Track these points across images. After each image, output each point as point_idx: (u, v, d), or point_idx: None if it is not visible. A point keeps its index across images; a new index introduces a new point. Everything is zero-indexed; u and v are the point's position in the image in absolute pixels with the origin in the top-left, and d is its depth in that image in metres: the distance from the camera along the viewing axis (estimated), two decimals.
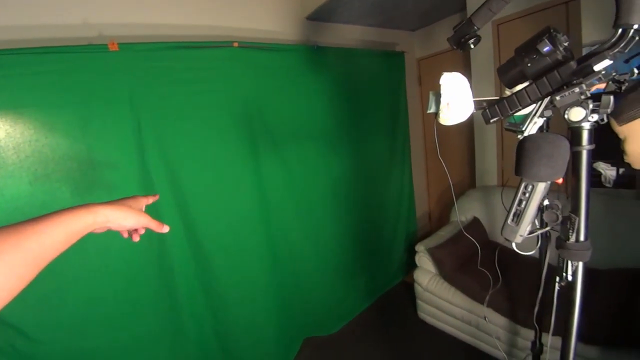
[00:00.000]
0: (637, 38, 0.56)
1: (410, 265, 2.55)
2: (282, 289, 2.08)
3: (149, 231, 0.59)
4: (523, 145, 0.72)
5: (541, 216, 0.79)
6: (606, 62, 0.59)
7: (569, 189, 0.73)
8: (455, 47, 0.85)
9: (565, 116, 0.66)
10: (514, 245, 0.79)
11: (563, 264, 0.75)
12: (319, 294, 2.28)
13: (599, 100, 0.62)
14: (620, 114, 0.66)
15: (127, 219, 0.51)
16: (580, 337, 1.40)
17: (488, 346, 1.89)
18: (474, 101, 0.76)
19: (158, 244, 1.60)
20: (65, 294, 1.40)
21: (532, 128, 0.76)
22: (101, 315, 1.50)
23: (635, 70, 0.67)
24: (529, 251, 0.87)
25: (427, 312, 2.26)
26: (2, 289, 0.34)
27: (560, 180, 0.72)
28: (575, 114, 0.64)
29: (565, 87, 0.65)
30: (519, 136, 0.77)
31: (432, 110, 0.76)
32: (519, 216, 0.75)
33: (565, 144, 0.68)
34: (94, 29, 1.57)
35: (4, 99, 1.28)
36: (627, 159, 0.73)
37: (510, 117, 0.78)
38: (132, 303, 1.57)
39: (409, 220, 3.06)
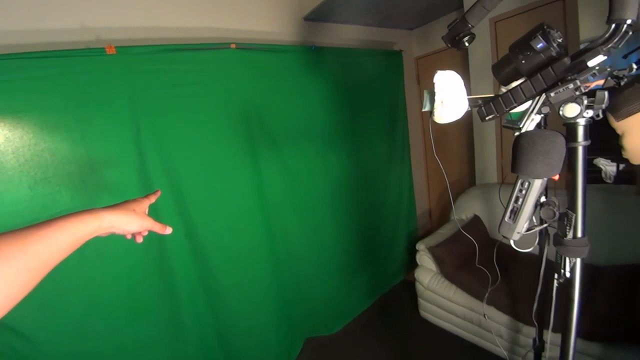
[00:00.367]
0: (630, 33, 0.56)
1: (411, 263, 2.55)
2: (283, 289, 2.08)
3: (149, 233, 0.59)
4: (519, 142, 0.72)
5: (539, 213, 0.79)
6: (600, 58, 0.59)
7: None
8: (450, 46, 0.85)
9: (560, 112, 0.66)
10: (511, 242, 0.79)
11: (561, 260, 0.75)
12: (319, 294, 2.28)
13: (594, 96, 0.62)
14: (618, 109, 0.65)
15: (130, 223, 0.52)
16: (582, 334, 1.41)
17: (490, 344, 1.89)
18: (469, 99, 0.76)
19: (158, 245, 1.60)
20: (65, 296, 1.40)
21: (529, 125, 0.76)
22: (101, 317, 1.50)
23: (634, 66, 0.67)
24: (528, 248, 0.87)
25: (429, 311, 2.26)
26: (7, 294, 0.34)
27: (556, 177, 0.72)
28: (570, 110, 0.64)
29: (559, 83, 0.65)
30: (516, 133, 0.77)
31: (426, 108, 0.76)
32: (516, 213, 0.75)
33: (561, 140, 0.68)
34: (92, 32, 1.58)
35: (3, 103, 1.28)
36: (625, 155, 0.73)
37: (508, 114, 0.78)
38: (133, 304, 1.57)
39: (409, 218, 3.06)
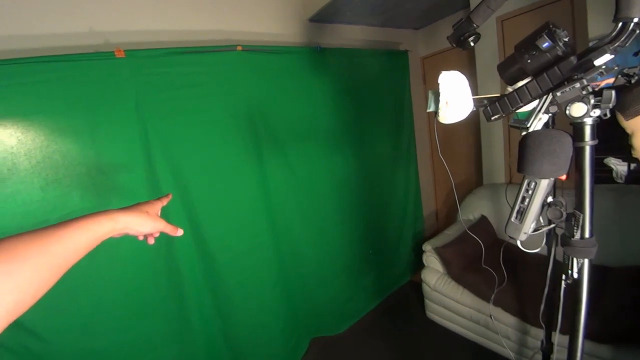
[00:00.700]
0: (637, 31, 0.56)
1: (418, 264, 2.54)
2: (288, 289, 2.09)
3: (159, 234, 0.60)
4: (525, 142, 0.71)
5: (546, 213, 0.78)
6: (607, 57, 0.58)
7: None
8: (455, 46, 0.84)
9: (567, 112, 0.65)
10: (518, 243, 0.79)
11: (569, 261, 0.75)
12: (325, 294, 2.29)
13: (601, 95, 0.62)
14: (627, 108, 0.65)
15: (144, 225, 0.54)
16: (592, 336, 1.39)
17: (497, 345, 1.87)
18: (475, 99, 0.76)
19: (166, 245, 1.62)
20: (75, 296, 1.43)
21: (537, 124, 0.76)
22: (110, 316, 1.52)
23: None
24: (535, 249, 0.87)
25: (436, 312, 2.25)
26: (28, 291, 0.35)
27: (563, 177, 0.72)
28: (577, 109, 0.63)
29: (566, 82, 0.64)
30: (523, 132, 0.76)
31: (431, 109, 0.76)
32: (522, 213, 0.75)
33: (568, 140, 0.67)
34: (101, 36, 1.61)
35: (16, 106, 1.31)
36: (635, 154, 0.72)
37: (515, 114, 0.77)
38: (140, 304, 1.59)
39: (415, 219, 3.05)
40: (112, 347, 1.53)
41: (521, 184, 0.74)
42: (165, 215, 0.66)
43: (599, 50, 0.59)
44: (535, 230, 0.76)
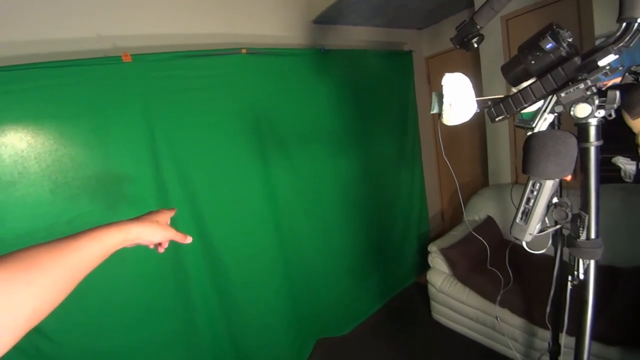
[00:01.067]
0: None
1: (423, 265, 2.53)
2: (293, 290, 2.09)
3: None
4: (529, 143, 0.71)
5: (552, 214, 0.78)
6: (611, 57, 0.58)
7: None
8: (458, 47, 0.84)
9: (571, 113, 0.65)
10: (524, 244, 0.79)
11: (575, 262, 0.74)
12: (330, 295, 2.29)
13: (605, 96, 0.61)
14: (634, 107, 0.64)
15: (155, 234, 0.55)
16: (599, 337, 1.38)
17: (504, 347, 1.85)
18: (479, 100, 0.76)
19: (173, 247, 1.62)
20: (83, 297, 1.45)
21: (542, 124, 0.75)
22: (119, 317, 1.55)
23: None
24: (540, 250, 0.86)
25: (442, 313, 2.24)
26: (46, 300, 0.37)
27: (569, 178, 0.71)
28: (581, 110, 0.63)
29: (570, 83, 0.64)
30: (528, 133, 0.76)
31: (435, 110, 0.76)
32: (527, 214, 0.75)
33: (573, 141, 0.67)
34: (108, 41, 1.63)
35: (25, 111, 1.34)
36: None
37: (520, 114, 0.77)
38: (148, 305, 1.61)
39: (420, 220, 3.04)
40: (121, 347, 1.56)
41: (526, 185, 0.74)
42: (172, 220, 0.67)
43: (603, 51, 0.59)
44: (540, 231, 0.76)
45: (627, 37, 0.56)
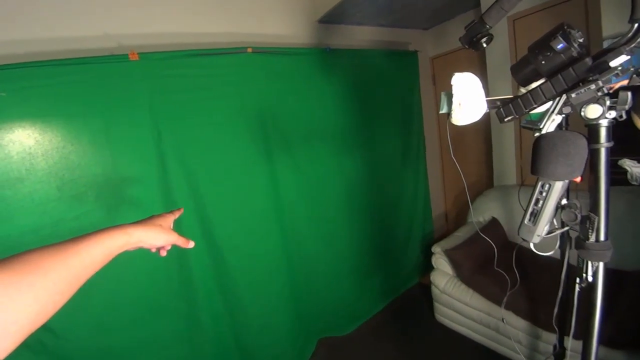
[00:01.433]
0: None
1: (427, 266, 2.52)
2: (296, 289, 2.10)
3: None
4: (539, 144, 0.71)
5: (560, 215, 0.77)
6: (623, 58, 0.58)
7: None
8: (467, 47, 0.84)
9: (582, 114, 0.65)
10: (532, 245, 0.78)
11: (583, 264, 0.74)
12: (333, 294, 2.29)
13: (617, 97, 0.61)
14: None
15: (157, 238, 0.56)
16: (606, 341, 1.37)
17: (508, 350, 1.84)
18: (488, 100, 0.76)
19: (178, 247, 1.64)
20: (89, 294, 1.46)
21: (550, 126, 0.75)
22: (123, 315, 1.55)
23: None
24: (548, 252, 0.86)
25: (445, 315, 2.23)
26: (48, 303, 0.37)
27: (578, 179, 0.71)
28: (592, 111, 0.63)
29: (580, 84, 0.64)
30: (536, 134, 0.75)
31: (444, 110, 0.76)
32: (536, 216, 0.74)
33: (583, 142, 0.66)
34: (115, 39, 1.64)
35: (33, 108, 1.35)
36: None
37: (528, 115, 0.77)
38: (153, 304, 1.62)
39: (424, 220, 3.03)
40: (125, 344, 1.56)
41: (535, 186, 0.74)
42: (177, 217, 0.68)
43: (614, 52, 0.58)
44: (549, 232, 0.76)
45: (639, 38, 0.56)
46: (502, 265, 1.52)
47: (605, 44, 1.81)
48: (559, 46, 0.63)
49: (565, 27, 0.64)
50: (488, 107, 0.75)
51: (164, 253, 0.63)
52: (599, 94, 0.62)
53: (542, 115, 0.75)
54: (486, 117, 0.77)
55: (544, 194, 0.71)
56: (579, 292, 0.82)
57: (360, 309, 2.47)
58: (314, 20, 2.46)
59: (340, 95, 2.32)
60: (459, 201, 3.55)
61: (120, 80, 1.50)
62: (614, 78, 0.63)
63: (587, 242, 0.70)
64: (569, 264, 1.04)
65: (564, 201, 0.76)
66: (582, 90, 0.63)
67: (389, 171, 2.69)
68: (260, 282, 1.92)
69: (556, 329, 1.13)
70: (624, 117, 0.64)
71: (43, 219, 1.38)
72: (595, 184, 0.68)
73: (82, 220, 1.43)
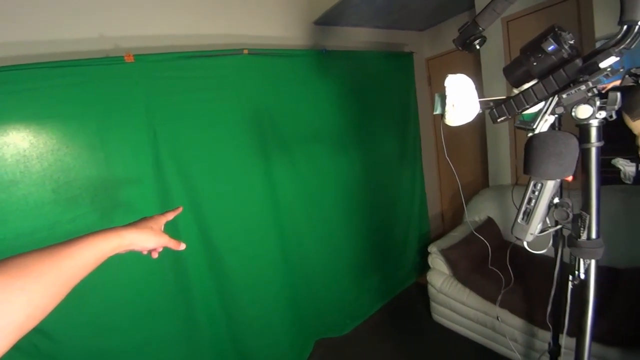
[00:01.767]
0: None
1: (424, 266, 2.54)
2: (294, 290, 2.10)
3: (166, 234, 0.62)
4: (531, 144, 0.72)
5: (553, 214, 0.78)
6: (612, 59, 0.59)
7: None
8: (461, 49, 0.85)
9: (573, 114, 0.66)
10: (525, 244, 0.79)
11: (575, 262, 0.75)
12: (330, 295, 2.30)
13: (606, 97, 0.62)
14: (635, 108, 0.65)
15: (149, 240, 0.56)
16: (600, 339, 1.38)
17: (504, 348, 1.86)
18: (481, 101, 0.77)
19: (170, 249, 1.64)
20: (85, 296, 1.45)
21: (542, 126, 0.76)
22: (119, 316, 1.55)
23: None
24: (541, 250, 0.87)
25: (442, 314, 2.24)
26: (39, 306, 0.37)
27: (570, 178, 0.72)
28: (583, 111, 0.64)
29: (571, 84, 0.65)
30: (529, 134, 0.77)
31: (438, 111, 0.77)
32: (529, 214, 0.75)
33: (574, 142, 0.67)
34: (110, 41, 1.64)
35: (28, 111, 1.34)
36: None
37: (521, 115, 0.78)
38: (149, 305, 1.61)
39: (421, 221, 3.05)
40: (121, 347, 1.56)
41: (527, 185, 0.75)
42: (173, 218, 0.68)
43: (604, 53, 0.59)
44: (541, 231, 0.77)
45: (628, 40, 0.57)
46: (497, 264, 1.53)
47: (598, 45, 1.83)
48: (550, 48, 0.64)
49: (556, 29, 0.65)
50: (481, 108, 0.76)
51: (155, 255, 0.63)
52: (589, 94, 0.63)
53: (535, 115, 0.76)
54: (481, 118, 0.78)
55: (537, 193, 0.72)
56: (571, 289, 0.83)
57: (357, 309, 2.48)
58: (310, 22, 2.47)
59: (336, 97, 2.33)
60: (455, 201, 3.57)
61: (116, 82, 1.49)
62: (604, 79, 0.64)
63: (579, 239, 0.71)
64: (562, 262, 1.05)
65: (556, 200, 0.77)
66: (573, 91, 0.64)
67: (386, 172, 2.71)
68: (258, 282, 1.92)
69: (550, 326, 1.14)
70: (614, 117, 0.65)
71: (38, 222, 1.37)
72: (586, 183, 0.69)
73: (77, 222, 1.43)
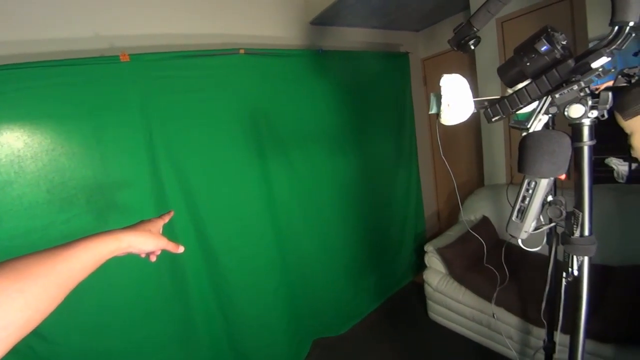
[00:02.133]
0: (633, 34, 0.57)
1: (420, 265, 2.55)
2: (291, 290, 2.10)
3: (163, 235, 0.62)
4: (525, 143, 0.73)
5: (547, 212, 0.80)
6: (604, 60, 0.60)
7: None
8: (456, 49, 0.86)
9: (565, 113, 0.67)
10: (519, 241, 0.80)
11: (569, 259, 0.76)
12: (327, 295, 2.30)
13: (598, 97, 0.63)
14: (626, 108, 0.66)
15: (147, 243, 0.56)
16: (593, 335, 1.40)
17: (500, 346, 1.87)
18: (476, 101, 0.78)
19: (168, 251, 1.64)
20: (81, 297, 1.44)
21: (536, 125, 0.77)
22: (116, 317, 1.54)
23: None
24: (536, 247, 0.88)
25: (438, 313, 2.25)
26: (37, 310, 0.37)
27: (563, 176, 0.73)
28: (575, 110, 0.65)
29: (564, 84, 0.66)
30: (523, 133, 0.78)
31: (433, 111, 0.78)
32: (523, 212, 0.76)
33: (567, 141, 0.68)
34: (106, 40, 1.63)
35: (22, 110, 1.33)
36: (634, 154, 0.73)
37: (515, 115, 0.79)
38: (146, 305, 1.61)
39: (417, 220, 3.06)
40: (118, 348, 1.55)
41: (521, 184, 0.76)
42: (169, 220, 0.68)
43: (595, 53, 0.60)
44: (536, 229, 0.78)
45: (619, 40, 0.58)
46: (493, 263, 1.54)
47: (592, 45, 1.85)
48: (543, 48, 0.65)
49: (549, 30, 0.66)
50: (476, 107, 0.77)
51: (153, 258, 0.63)
52: (582, 94, 0.64)
53: (530, 115, 0.77)
54: (476, 118, 0.79)
55: (530, 191, 0.73)
56: (565, 286, 0.84)
57: (354, 309, 2.48)
58: (307, 22, 2.47)
59: (332, 97, 2.34)
60: (450, 200, 3.59)
61: (111, 82, 1.49)
62: (596, 79, 0.65)
63: (572, 237, 0.73)
64: (556, 260, 1.07)
65: (550, 198, 0.78)
66: (566, 91, 0.65)
67: (382, 171, 2.72)
68: (255, 283, 1.92)
69: (545, 323, 1.15)
70: (606, 116, 0.66)
71: (33, 223, 1.36)
72: (579, 181, 0.70)
73: (72, 223, 1.42)
